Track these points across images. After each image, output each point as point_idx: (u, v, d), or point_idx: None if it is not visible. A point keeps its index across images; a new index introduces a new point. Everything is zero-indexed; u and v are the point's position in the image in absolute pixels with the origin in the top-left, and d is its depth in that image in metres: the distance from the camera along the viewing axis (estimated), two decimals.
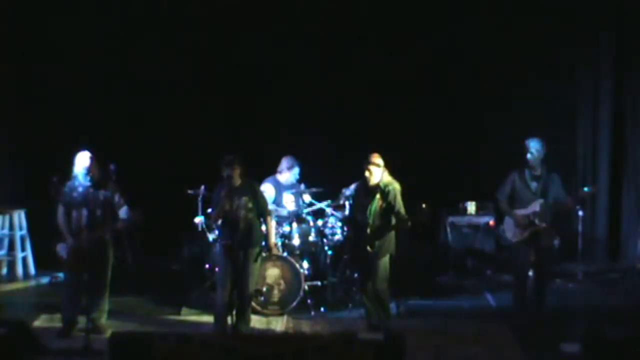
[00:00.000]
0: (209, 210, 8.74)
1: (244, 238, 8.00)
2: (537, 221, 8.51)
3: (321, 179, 9.71)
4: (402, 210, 8.00)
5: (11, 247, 10.49)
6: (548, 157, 8.61)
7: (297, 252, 9.31)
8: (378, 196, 8.01)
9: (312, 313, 8.91)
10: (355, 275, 8.99)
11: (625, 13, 11.21)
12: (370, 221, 8.01)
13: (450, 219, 11.02)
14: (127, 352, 6.03)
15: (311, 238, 9.43)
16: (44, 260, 10.27)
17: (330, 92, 11.52)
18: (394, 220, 8.01)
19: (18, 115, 11.32)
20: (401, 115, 11.48)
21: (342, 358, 5.94)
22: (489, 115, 11.43)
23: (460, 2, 11.42)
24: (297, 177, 9.69)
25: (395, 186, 8.04)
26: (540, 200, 8.51)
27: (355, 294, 9.02)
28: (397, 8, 11.38)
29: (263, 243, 8.35)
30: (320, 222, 9.54)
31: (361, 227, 8.09)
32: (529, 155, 8.52)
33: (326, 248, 9.41)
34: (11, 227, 10.44)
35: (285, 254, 9.04)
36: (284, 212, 9.55)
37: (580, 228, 10.50)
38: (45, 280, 10.40)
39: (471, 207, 11.04)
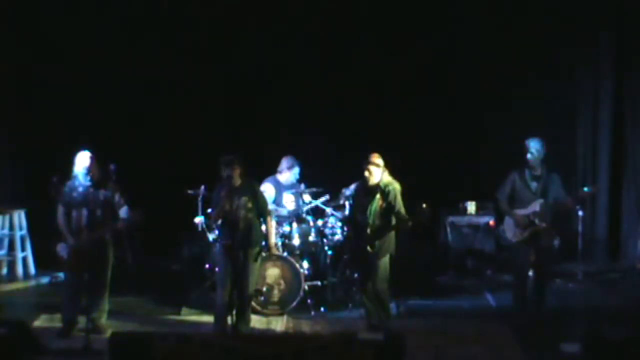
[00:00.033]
0: (209, 210, 8.74)
1: (243, 238, 7.99)
2: (537, 221, 8.51)
3: (321, 179, 9.71)
4: (402, 210, 8.00)
5: (11, 247, 10.49)
6: (548, 157, 8.61)
7: (297, 252, 9.31)
8: (378, 196, 8.00)
9: (312, 313, 8.91)
10: (355, 275, 8.99)
11: (625, 13, 11.21)
12: (370, 221, 8.01)
13: (450, 219, 11.02)
14: (127, 352, 6.03)
15: (311, 238, 9.43)
16: (44, 260, 10.27)
17: (330, 92, 11.52)
18: (394, 220, 8.01)
19: (18, 115, 11.33)
20: (401, 115, 11.48)
21: (342, 358, 5.94)
22: (489, 115, 11.43)
23: (460, 2, 11.42)
24: (297, 177, 9.69)
25: (395, 186, 8.04)
26: (540, 200, 8.51)
27: (355, 294, 9.02)
28: (397, 8, 11.38)
29: (263, 243, 8.36)
30: (320, 222, 9.54)
31: (361, 227, 8.09)
32: (529, 155, 8.52)
33: (326, 248, 9.41)
34: (11, 227, 10.44)
35: (285, 254, 9.04)
36: (284, 212, 9.55)
37: (580, 228, 10.50)
38: (45, 280, 10.40)
39: (471, 207, 11.04)
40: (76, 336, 7.94)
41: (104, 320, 8.22)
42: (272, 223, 8.58)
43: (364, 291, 8.24)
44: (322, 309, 9.04)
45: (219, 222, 8.21)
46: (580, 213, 10.42)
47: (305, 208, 9.57)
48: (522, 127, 9.76)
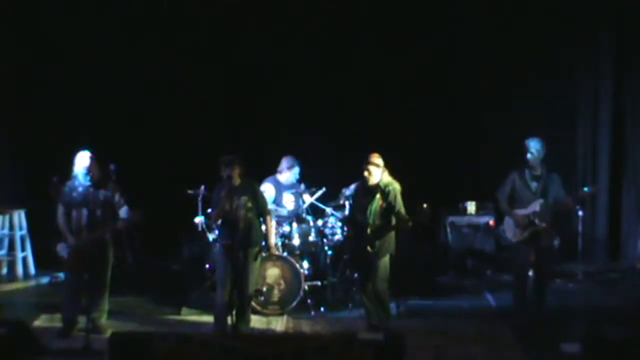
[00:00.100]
0: (209, 210, 8.74)
1: (243, 238, 8.00)
2: (537, 221, 8.51)
3: (321, 179, 9.71)
4: (402, 210, 8.00)
5: (11, 247, 10.49)
6: (548, 157, 8.61)
7: (297, 252, 9.31)
8: (378, 196, 8.01)
9: (312, 313, 8.91)
10: (355, 275, 8.99)
11: (625, 13, 11.21)
12: (370, 221, 8.01)
13: (450, 219, 11.02)
14: (127, 352, 6.03)
15: (311, 238, 9.43)
16: (44, 260, 10.27)
17: (330, 92, 11.52)
18: (394, 220, 8.01)
19: (18, 115, 11.33)
20: (401, 115, 11.48)
21: (342, 358, 5.94)
22: (489, 115, 11.43)
23: (460, 2, 11.42)
24: (297, 177, 9.69)
25: (395, 186, 8.04)
26: (540, 200, 8.51)
27: (355, 294, 9.02)
28: (397, 8, 11.38)
29: (263, 243, 8.36)
30: (320, 222, 9.54)
31: (361, 227, 8.09)
32: (529, 155, 8.52)
33: (326, 248, 9.41)
34: (11, 227, 10.44)
35: (285, 254, 9.04)
36: (284, 212, 9.55)
37: (580, 228, 10.49)
38: (45, 280, 10.40)
39: (471, 207, 11.04)
40: (76, 336, 7.94)
41: (104, 320, 8.22)
42: (272, 223, 8.58)
43: (364, 291, 8.24)
44: (322, 309, 9.04)
45: (219, 222, 8.21)
46: (580, 213, 10.42)
47: (304, 206, 9.57)
48: (522, 127, 9.75)
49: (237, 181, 8.04)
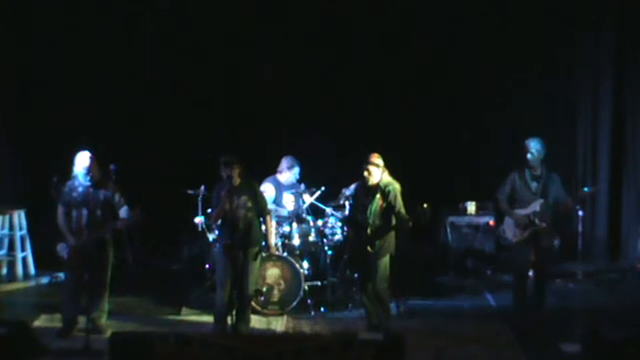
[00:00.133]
0: (209, 210, 8.74)
1: (243, 237, 8.00)
2: (537, 221, 8.51)
3: (321, 179, 9.71)
4: (403, 210, 7.99)
5: (11, 247, 10.48)
6: (548, 157, 8.61)
7: (297, 252, 9.31)
8: (378, 196, 8.00)
9: (312, 313, 8.91)
10: (355, 275, 8.99)
11: (625, 13, 11.21)
12: (370, 221, 8.00)
13: (450, 219, 11.01)
14: (127, 352, 6.03)
15: (311, 238, 9.43)
16: (44, 260, 10.27)
17: (330, 92, 11.52)
18: (394, 220, 8.00)
19: (18, 115, 11.32)
20: (401, 115, 11.48)
21: (342, 358, 5.94)
22: (489, 115, 11.43)
23: (460, 2, 11.42)
24: (297, 177, 9.69)
25: (395, 186, 8.04)
26: (540, 200, 8.51)
27: (355, 294, 9.01)
28: (397, 8, 11.38)
29: (263, 243, 8.36)
30: (320, 222, 9.54)
31: (361, 227, 8.09)
32: (529, 155, 8.52)
33: (326, 248, 9.41)
34: (11, 227, 10.43)
35: (285, 254, 9.04)
36: (284, 212, 9.55)
37: (580, 228, 10.49)
38: (45, 280, 10.39)
39: (471, 207, 11.04)
40: (76, 336, 7.94)
41: (104, 320, 8.22)
42: (272, 223, 8.58)
43: (364, 291, 8.23)
44: (322, 309, 9.04)
45: (219, 222, 8.21)
46: (580, 213, 10.41)
47: (305, 206, 9.57)
48: (522, 127, 9.76)
49: (237, 181, 8.04)
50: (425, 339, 7.87)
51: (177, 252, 10.98)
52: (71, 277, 8.25)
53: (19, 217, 10.47)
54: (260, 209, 8.21)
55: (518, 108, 11.22)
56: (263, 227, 8.31)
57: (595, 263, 11.12)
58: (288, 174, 9.65)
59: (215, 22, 11.55)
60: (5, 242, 10.49)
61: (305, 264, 9.30)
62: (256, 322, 8.49)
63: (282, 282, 8.90)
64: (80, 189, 8.11)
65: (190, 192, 9.59)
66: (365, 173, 8.02)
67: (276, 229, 9.08)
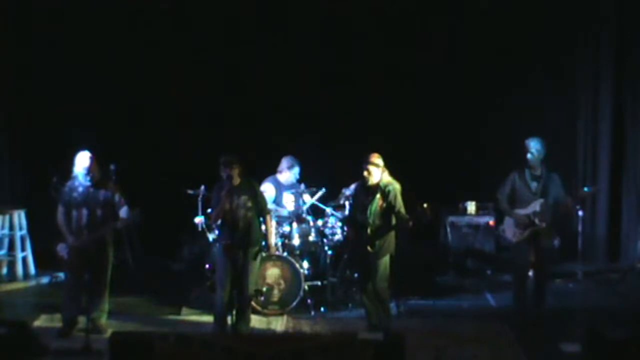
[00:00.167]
0: (209, 210, 8.74)
1: (243, 237, 8.00)
2: (537, 221, 8.51)
3: (321, 179, 9.71)
4: (402, 210, 7.99)
5: (11, 247, 10.48)
6: (548, 157, 8.61)
7: (297, 252, 9.31)
8: (378, 196, 8.00)
9: (312, 313, 8.91)
10: (355, 275, 8.99)
11: (625, 13, 11.21)
12: (370, 221, 8.00)
13: (450, 219, 11.02)
14: (127, 352, 6.03)
15: (311, 238, 9.43)
16: (44, 260, 10.27)
17: (330, 92, 11.52)
18: (394, 220, 8.00)
19: (18, 115, 11.32)
20: (401, 114, 11.48)
21: (342, 358, 5.95)
22: (489, 115, 11.43)
23: (460, 2, 11.42)
24: (297, 177, 9.69)
25: (396, 186, 8.04)
26: (540, 200, 8.51)
27: (355, 294, 9.01)
28: (397, 8, 11.38)
29: (263, 243, 8.36)
30: (320, 222, 9.53)
31: (361, 227, 8.09)
32: (529, 155, 8.52)
33: (326, 248, 9.41)
34: (11, 227, 10.43)
35: (285, 254, 9.04)
36: (284, 212, 9.55)
37: (580, 228, 10.49)
38: (45, 280, 10.39)
39: (471, 207, 11.04)
40: (76, 336, 7.94)
41: (104, 320, 8.22)
42: (272, 223, 8.58)
43: (364, 291, 8.23)
44: (322, 309, 9.04)
45: (219, 222, 8.21)
46: (580, 213, 10.41)
47: (305, 207, 9.57)
48: (522, 127, 9.75)
49: (236, 181, 8.04)
50: (425, 339, 7.87)
51: (177, 252, 10.97)
52: (71, 277, 8.26)
53: (19, 217, 10.47)
54: (260, 209, 8.21)
55: (518, 108, 11.22)
56: (263, 227, 8.31)
57: (595, 263, 11.13)
58: (288, 174, 9.65)
59: (215, 22, 11.55)
60: (5, 242, 10.50)
61: (305, 264, 9.30)
62: (256, 322, 8.48)
63: (282, 282, 8.91)
64: (80, 189, 8.11)
65: (190, 192, 9.59)
66: (365, 173, 8.02)
67: (276, 229, 9.08)
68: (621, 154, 11.43)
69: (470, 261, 10.87)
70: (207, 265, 9.52)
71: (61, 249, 8.06)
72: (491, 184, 9.10)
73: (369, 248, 7.98)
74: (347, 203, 9.03)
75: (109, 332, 7.39)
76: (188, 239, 10.59)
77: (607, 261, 11.30)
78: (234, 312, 7.85)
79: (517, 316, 8.62)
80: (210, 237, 9.47)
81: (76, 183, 8.13)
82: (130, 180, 8.56)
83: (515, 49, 11.29)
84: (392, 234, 8.10)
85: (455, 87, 11.47)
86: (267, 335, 8.04)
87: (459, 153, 11.48)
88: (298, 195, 9.64)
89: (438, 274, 10.54)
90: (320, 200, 9.63)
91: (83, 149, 8.19)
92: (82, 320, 7.94)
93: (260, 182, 9.04)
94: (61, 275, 9.50)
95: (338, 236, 9.47)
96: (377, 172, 8.01)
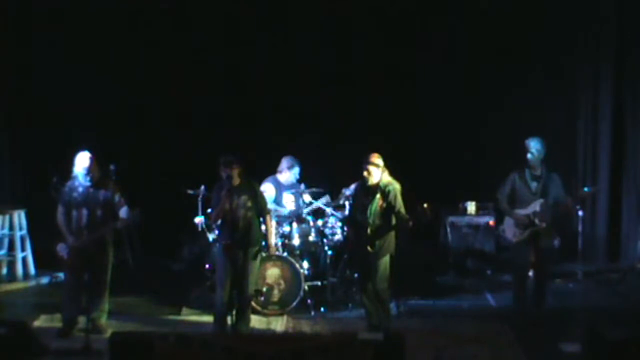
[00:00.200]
0: (209, 210, 8.74)
1: (243, 237, 8.00)
2: (537, 221, 8.51)
3: (321, 179, 9.71)
4: (402, 210, 7.99)
5: (11, 247, 10.48)
6: (548, 157, 8.61)
7: (297, 252, 9.31)
8: (378, 196, 8.00)
9: (312, 313, 8.91)
10: (355, 275, 8.99)
11: (625, 13, 11.21)
12: (370, 221, 8.00)
13: (450, 219, 11.01)
14: (127, 352, 6.03)
15: (311, 238, 9.43)
16: (44, 260, 10.27)
17: (329, 92, 11.52)
18: (394, 220, 8.01)
19: (18, 115, 11.32)
20: (401, 114, 11.48)
21: (342, 358, 5.95)
22: (490, 115, 11.43)
23: (460, 2, 11.42)
24: (297, 177, 9.69)
25: (395, 186, 8.04)
26: (540, 200, 8.51)
27: (355, 294, 9.01)
28: (397, 8, 11.38)
29: (263, 243, 8.36)
30: (320, 222, 9.53)
31: (361, 227, 8.09)
32: (529, 155, 8.52)
33: (326, 248, 9.41)
34: (11, 227, 10.43)
35: (285, 254, 9.04)
36: (284, 212, 9.55)
37: (580, 228, 10.49)
38: (45, 280, 10.39)
39: (471, 207, 11.04)
40: (76, 336, 7.94)
41: (104, 320, 8.22)
42: (272, 223, 8.58)
43: (364, 291, 8.23)
44: (322, 309, 9.04)
45: (219, 222, 8.21)
46: (580, 213, 10.41)
47: (306, 210, 9.57)
48: (522, 127, 9.75)
49: (236, 181, 8.04)
50: (425, 339, 7.86)
51: (177, 252, 10.97)
52: (71, 277, 8.25)
53: (19, 217, 10.47)
54: (260, 209, 8.21)
55: (518, 108, 11.22)
56: (263, 227, 8.31)
57: (595, 263, 11.13)
58: (288, 174, 9.65)
59: (215, 22, 11.55)
60: (5, 242, 10.50)
61: (305, 264, 9.31)
62: (256, 322, 8.48)
63: (282, 282, 8.90)
64: (80, 189, 8.11)
65: (190, 192, 9.59)
66: (365, 173, 8.02)
67: (276, 229, 9.08)
68: (621, 154, 11.43)
69: (470, 261, 10.87)
70: (207, 265, 9.52)
71: (61, 249, 8.06)
72: (491, 184, 9.10)
73: (369, 248, 7.98)
74: (347, 203, 9.02)
75: (109, 332, 7.38)
76: (188, 239, 10.59)
77: (607, 261, 11.30)
78: (234, 312, 7.86)
79: (517, 316, 8.62)
80: (210, 237, 9.47)
81: (76, 183, 8.14)
82: (130, 180, 8.56)
83: (515, 49, 11.29)
84: (392, 234, 8.10)
85: (455, 87, 11.48)
86: (267, 335, 8.04)
87: (459, 153, 11.48)
88: (298, 195, 9.64)
89: (438, 274, 10.55)
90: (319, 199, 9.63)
91: (83, 149, 8.19)
92: (82, 320, 7.94)
93: (260, 182, 9.04)
94: (61, 275, 9.50)
95: (338, 236, 9.47)
96: (377, 172, 8.01)
